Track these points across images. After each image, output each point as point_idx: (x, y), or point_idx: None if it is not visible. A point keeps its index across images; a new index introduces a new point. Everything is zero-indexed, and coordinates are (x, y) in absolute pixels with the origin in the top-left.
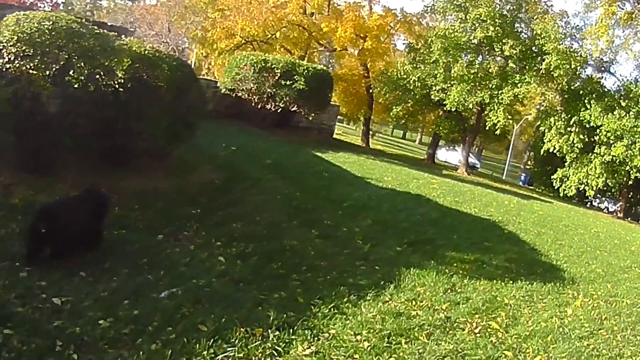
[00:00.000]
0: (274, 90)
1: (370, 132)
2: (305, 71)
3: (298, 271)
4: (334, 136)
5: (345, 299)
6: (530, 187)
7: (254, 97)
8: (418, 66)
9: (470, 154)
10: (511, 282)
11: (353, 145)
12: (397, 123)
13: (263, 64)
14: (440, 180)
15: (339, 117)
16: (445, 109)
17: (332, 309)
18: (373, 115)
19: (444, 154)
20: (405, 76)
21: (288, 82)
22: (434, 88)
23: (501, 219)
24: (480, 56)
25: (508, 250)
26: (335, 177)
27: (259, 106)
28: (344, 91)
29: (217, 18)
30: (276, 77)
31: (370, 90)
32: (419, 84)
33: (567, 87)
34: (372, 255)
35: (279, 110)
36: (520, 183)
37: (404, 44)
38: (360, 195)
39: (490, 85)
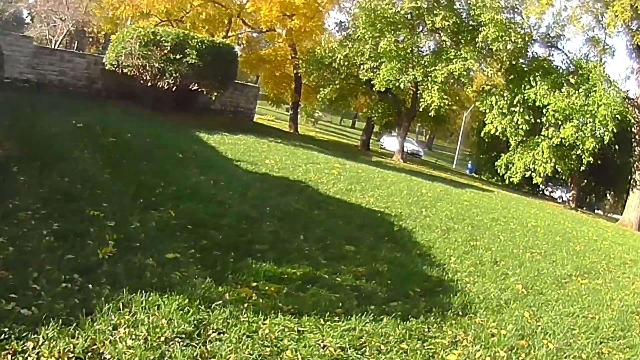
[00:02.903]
0: (163, 65)
1: (312, 119)
2: (199, 44)
3: None
4: (255, 120)
5: None
6: (476, 176)
7: (142, 73)
8: (345, 44)
9: (412, 141)
10: (344, 316)
11: (276, 131)
12: (325, 106)
13: (152, 37)
14: (353, 166)
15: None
16: (375, 89)
17: None
18: (302, 98)
19: (389, 141)
20: (330, 54)
21: (178, 57)
22: (362, 67)
23: (401, 212)
24: (411, 31)
25: (378, 259)
26: (192, 160)
27: (149, 84)
28: (268, 73)
29: None
30: (165, 51)
31: (298, 73)
32: (346, 63)
33: (508, 63)
34: (110, 265)
35: (174, 89)
36: (468, 172)
37: (335, 23)
38: (202, 181)
39: (423, 63)
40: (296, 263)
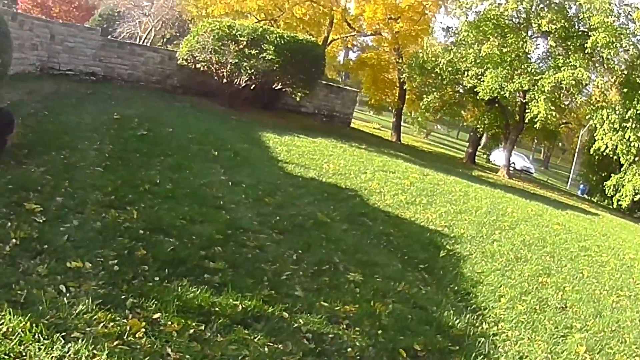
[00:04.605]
0: (238, 61)
1: (424, 130)
2: (277, 39)
3: None
4: (354, 126)
5: None
6: (587, 198)
7: (217, 69)
8: (450, 48)
9: (524, 157)
10: None
11: (373, 138)
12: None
13: (227, 31)
14: (435, 178)
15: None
16: (479, 97)
17: None
18: (406, 106)
19: (498, 156)
20: (433, 59)
21: (254, 52)
22: (466, 73)
23: (463, 233)
24: (516, 34)
25: (388, 295)
26: (226, 159)
27: (224, 80)
28: (371, 78)
29: None
30: (241, 46)
31: (401, 78)
32: (450, 69)
33: (622, 74)
34: None
35: (253, 87)
36: (579, 193)
37: (442, 28)
38: (216, 181)
39: (530, 70)
40: (250, 292)
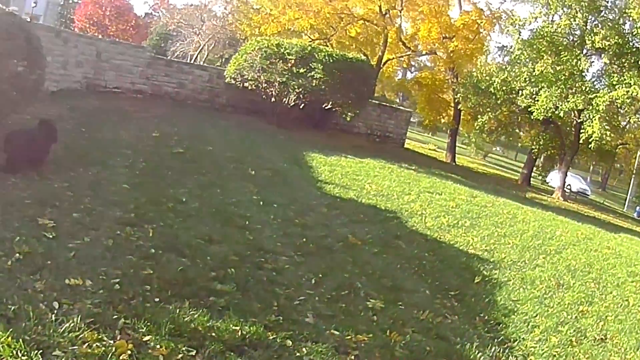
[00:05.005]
0: (285, 80)
1: (481, 152)
2: (326, 58)
3: None
4: (407, 147)
5: None
6: None
7: (265, 88)
8: (504, 67)
9: (580, 178)
10: None
11: (426, 159)
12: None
13: (275, 49)
14: (483, 199)
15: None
16: (533, 117)
17: None
18: (461, 126)
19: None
20: (487, 78)
21: (302, 70)
22: (520, 93)
23: (504, 257)
24: (570, 52)
25: (408, 324)
26: (263, 178)
27: (272, 99)
28: (425, 98)
29: (272, 11)
30: (289, 65)
31: (456, 98)
32: (504, 88)
33: None
34: None
35: (302, 106)
36: (635, 215)
37: (497, 47)
38: (246, 200)
39: (584, 89)
40: (255, 317)
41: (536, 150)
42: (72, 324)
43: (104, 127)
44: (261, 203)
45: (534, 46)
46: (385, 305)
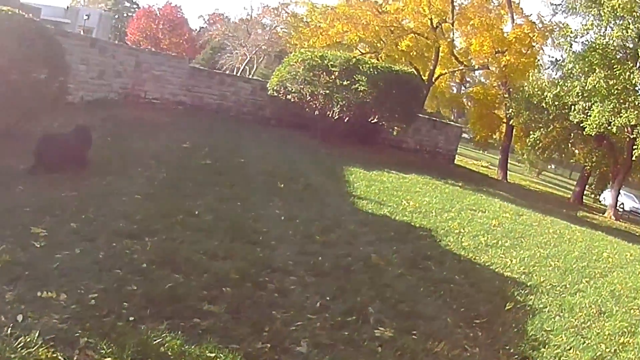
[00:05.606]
0: (329, 92)
1: (535, 169)
2: (371, 70)
3: None
4: (458, 163)
5: None
6: None
7: (309, 100)
8: (557, 81)
9: (634, 197)
10: None
11: (476, 176)
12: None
13: (319, 61)
14: (530, 218)
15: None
16: (585, 133)
17: None
18: (513, 143)
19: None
20: (539, 92)
21: (346, 83)
22: (573, 108)
23: (543, 281)
24: (623, 65)
25: (417, 356)
26: (292, 192)
27: (316, 112)
28: (477, 114)
29: (321, 24)
30: (333, 77)
31: (508, 114)
32: (557, 103)
33: None
34: None
35: (346, 120)
36: None
37: (550, 61)
38: (267, 214)
39: (638, 103)
40: (238, 344)
41: (589, 167)
42: (28, 339)
43: (133, 136)
44: (282, 218)
45: (587, 59)
46: (396, 334)
